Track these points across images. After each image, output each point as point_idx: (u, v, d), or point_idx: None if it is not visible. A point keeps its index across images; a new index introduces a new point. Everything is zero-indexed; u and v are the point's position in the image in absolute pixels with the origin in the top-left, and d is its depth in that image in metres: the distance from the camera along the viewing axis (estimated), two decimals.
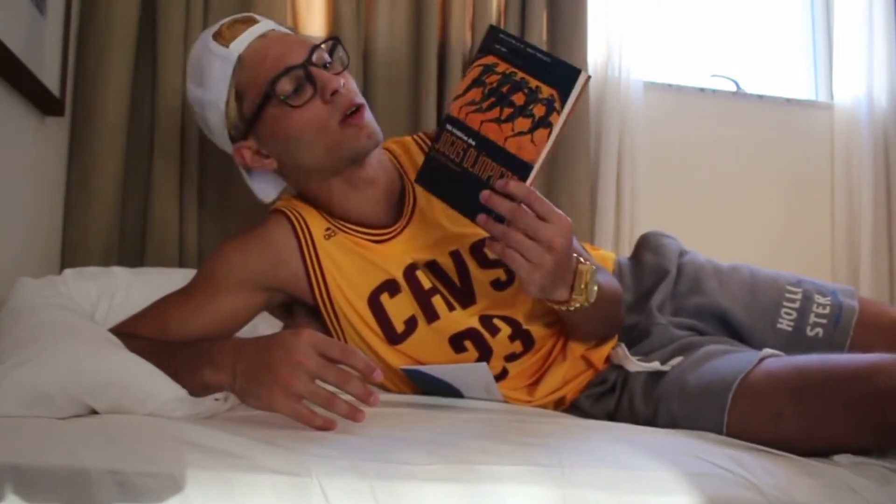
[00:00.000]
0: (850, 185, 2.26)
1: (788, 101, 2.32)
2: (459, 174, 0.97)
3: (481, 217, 0.96)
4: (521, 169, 0.94)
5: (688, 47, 2.34)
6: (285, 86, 1.09)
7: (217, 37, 1.13)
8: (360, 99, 1.13)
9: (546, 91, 0.91)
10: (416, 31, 1.84)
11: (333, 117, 1.10)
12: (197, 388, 0.93)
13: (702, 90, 2.25)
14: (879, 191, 2.23)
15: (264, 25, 1.15)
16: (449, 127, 0.96)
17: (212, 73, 1.12)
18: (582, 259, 1.05)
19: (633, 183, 2.00)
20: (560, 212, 0.98)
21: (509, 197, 0.94)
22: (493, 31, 0.97)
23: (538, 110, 0.92)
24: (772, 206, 2.28)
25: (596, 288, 1.05)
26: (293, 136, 1.12)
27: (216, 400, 0.94)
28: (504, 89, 0.93)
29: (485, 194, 0.95)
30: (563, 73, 0.91)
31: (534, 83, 0.92)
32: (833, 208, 2.30)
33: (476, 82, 0.95)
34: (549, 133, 0.92)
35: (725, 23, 2.38)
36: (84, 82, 1.58)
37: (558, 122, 0.92)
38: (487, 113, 0.94)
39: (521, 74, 0.92)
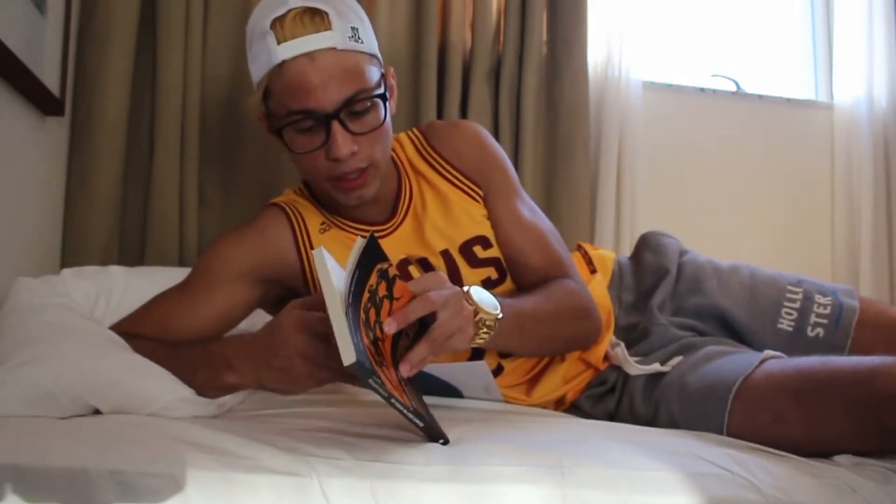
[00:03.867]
0: (850, 185, 2.27)
1: (788, 101, 2.32)
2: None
3: (403, 366, 0.86)
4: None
5: (688, 47, 2.34)
6: (303, 123, 1.06)
7: (276, 24, 1.04)
8: (364, 164, 1.09)
9: (374, 278, 0.85)
10: (416, 31, 1.84)
11: (327, 172, 1.09)
12: (216, 392, 0.96)
13: (702, 90, 2.25)
14: (879, 191, 2.23)
15: (324, 39, 1.04)
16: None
17: (257, 53, 1.07)
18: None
19: (633, 183, 2.00)
20: (427, 275, 0.94)
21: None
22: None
23: (382, 290, 0.86)
24: (772, 206, 2.28)
25: (490, 298, 0.99)
26: (294, 157, 1.12)
27: (220, 404, 0.95)
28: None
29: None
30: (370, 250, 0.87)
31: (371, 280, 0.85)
32: (833, 208, 2.30)
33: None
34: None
35: (725, 23, 2.38)
36: (84, 82, 1.58)
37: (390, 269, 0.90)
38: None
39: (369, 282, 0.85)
